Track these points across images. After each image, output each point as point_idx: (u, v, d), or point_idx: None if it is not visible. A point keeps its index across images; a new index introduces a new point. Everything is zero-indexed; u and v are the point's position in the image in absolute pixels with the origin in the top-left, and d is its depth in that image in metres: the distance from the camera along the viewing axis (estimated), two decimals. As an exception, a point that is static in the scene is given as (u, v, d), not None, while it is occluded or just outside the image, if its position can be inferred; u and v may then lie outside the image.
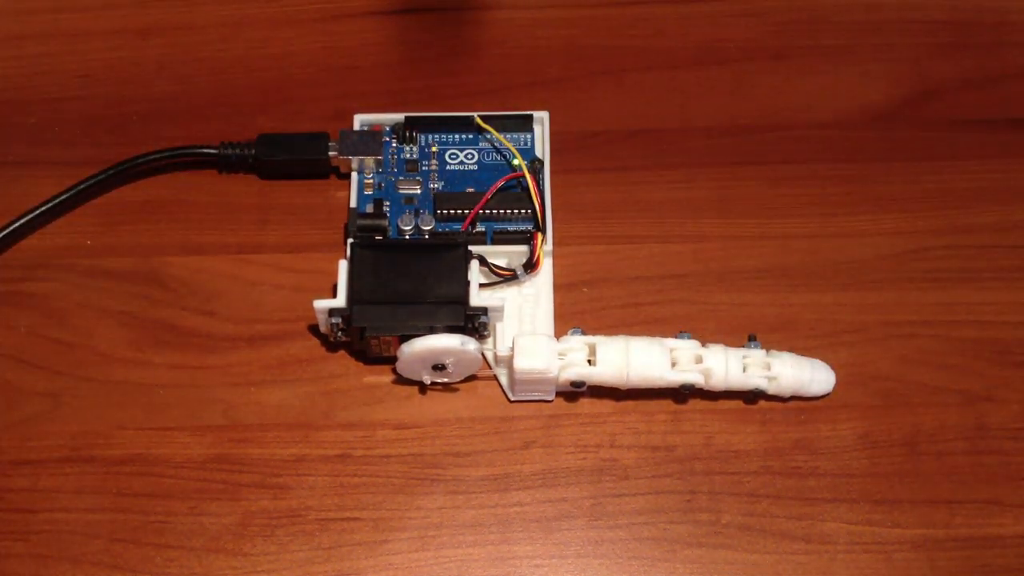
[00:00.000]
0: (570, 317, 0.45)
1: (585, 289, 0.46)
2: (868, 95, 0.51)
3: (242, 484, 0.42)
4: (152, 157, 0.47)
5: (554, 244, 0.46)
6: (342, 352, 0.45)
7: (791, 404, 0.44)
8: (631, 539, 0.41)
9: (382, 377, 0.44)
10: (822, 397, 0.44)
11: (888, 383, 0.44)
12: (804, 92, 0.51)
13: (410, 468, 0.43)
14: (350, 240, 0.44)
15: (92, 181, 0.47)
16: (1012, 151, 0.49)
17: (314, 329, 0.45)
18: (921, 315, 0.45)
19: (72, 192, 0.47)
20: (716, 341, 0.45)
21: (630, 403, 0.44)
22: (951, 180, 0.49)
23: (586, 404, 0.44)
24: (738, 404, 0.44)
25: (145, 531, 0.41)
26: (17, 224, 0.46)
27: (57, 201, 0.46)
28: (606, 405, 0.44)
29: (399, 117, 0.48)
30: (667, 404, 0.44)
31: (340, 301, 0.42)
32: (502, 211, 0.46)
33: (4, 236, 0.46)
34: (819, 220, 0.48)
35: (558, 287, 0.46)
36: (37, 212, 0.46)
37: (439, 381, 0.43)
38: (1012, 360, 0.45)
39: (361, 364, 0.44)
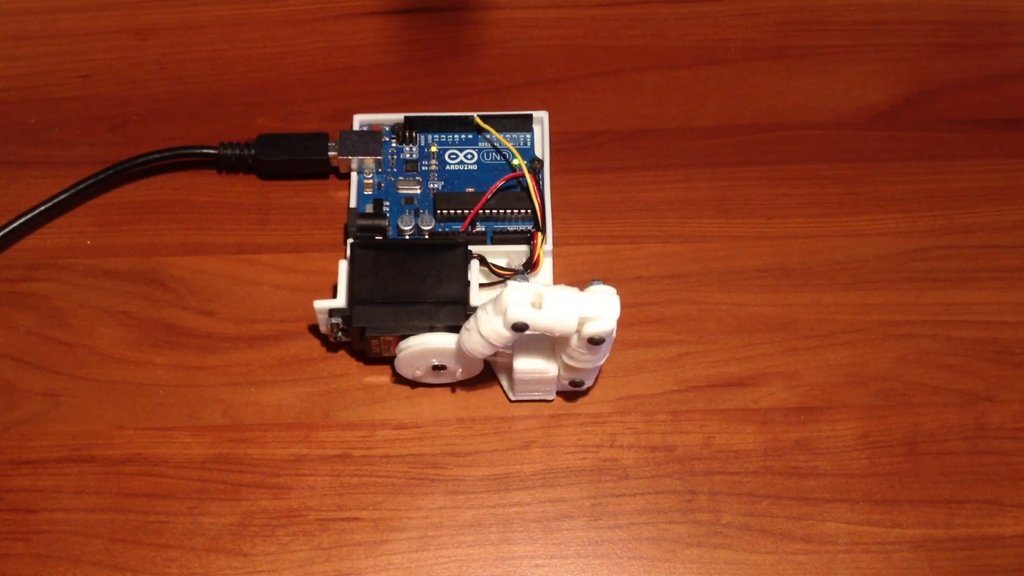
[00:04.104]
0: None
1: (585, 289, 0.46)
2: (868, 95, 0.51)
3: (242, 484, 0.42)
4: (152, 157, 0.47)
5: (554, 244, 0.46)
6: (342, 352, 0.45)
7: (791, 404, 0.44)
8: (631, 539, 0.41)
9: (382, 377, 0.44)
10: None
11: (888, 383, 0.44)
12: (804, 92, 0.51)
13: (410, 468, 0.43)
14: (350, 240, 0.44)
15: (92, 181, 0.47)
16: (1012, 151, 0.49)
17: (314, 329, 0.45)
18: (921, 315, 0.46)
19: (72, 192, 0.47)
20: (716, 341, 0.45)
21: (630, 403, 0.44)
22: (951, 180, 0.49)
23: (586, 404, 0.44)
24: (738, 404, 0.44)
25: (145, 531, 0.41)
26: (17, 224, 0.46)
27: (57, 201, 0.46)
28: (606, 405, 0.44)
29: (398, 117, 0.48)
30: (667, 404, 0.44)
31: (340, 301, 0.42)
32: (502, 211, 0.45)
33: (4, 236, 0.46)
34: (819, 220, 0.48)
35: (558, 287, 0.46)
36: (37, 212, 0.46)
37: (439, 381, 0.43)
38: (1012, 360, 0.45)
39: (361, 364, 0.44)
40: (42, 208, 0.46)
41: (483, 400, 0.44)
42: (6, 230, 0.46)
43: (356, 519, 0.42)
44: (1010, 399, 0.44)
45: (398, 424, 0.43)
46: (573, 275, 0.46)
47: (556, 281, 0.45)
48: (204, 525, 0.42)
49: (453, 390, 0.44)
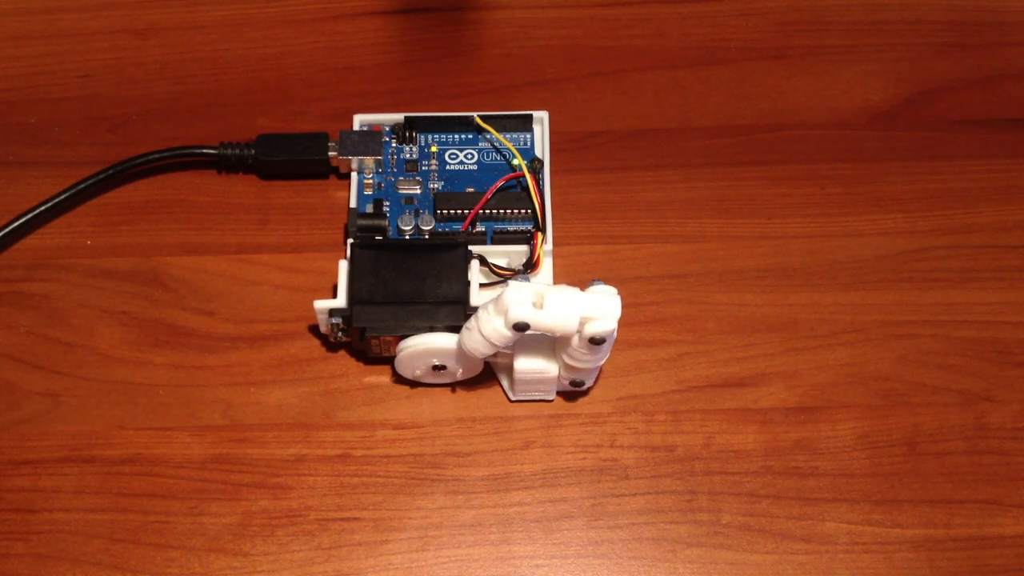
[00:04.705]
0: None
1: (585, 289, 0.46)
2: (868, 95, 0.51)
3: (242, 484, 0.42)
4: (152, 157, 0.47)
5: (554, 244, 0.46)
6: (342, 352, 0.45)
7: (791, 404, 0.44)
8: (631, 539, 0.41)
9: (382, 377, 0.44)
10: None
11: (888, 383, 0.44)
12: (804, 92, 0.51)
13: (410, 468, 0.43)
14: (350, 240, 0.44)
15: (92, 181, 0.47)
16: (1012, 151, 0.49)
17: (314, 329, 0.45)
18: (921, 315, 0.46)
19: (72, 192, 0.47)
20: (716, 341, 0.45)
21: (630, 403, 0.44)
22: (951, 180, 0.49)
23: (586, 404, 0.44)
24: (738, 404, 0.44)
25: (145, 531, 0.41)
26: (17, 224, 0.46)
27: (57, 201, 0.46)
28: (606, 405, 0.44)
29: (398, 117, 0.48)
30: (667, 404, 0.44)
31: (340, 301, 0.42)
32: (502, 211, 0.45)
33: (4, 236, 0.46)
34: (819, 220, 0.48)
35: (558, 287, 0.46)
36: (37, 212, 0.46)
37: (439, 381, 0.43)
38: (1012, 360, 0.45)
39: (361, 364, 0.44)
40: (42, 208, 0.46)
41: (483, 400, 0.44)
42: (6, 230, 0.46)
43: (356, 519, 0.42)
44: (1010, 399, 0.44)
45: (398, 424, 0.43)
46: (573, 275, 0.46)
47: (556, 281, 0.45)
48: (204, 525, 0.42)
49: (453, 390, 0.44)
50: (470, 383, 0.44)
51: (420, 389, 0.44)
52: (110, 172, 0.47)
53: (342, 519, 0.42)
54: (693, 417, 0.44)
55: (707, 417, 0.44)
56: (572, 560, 0.41)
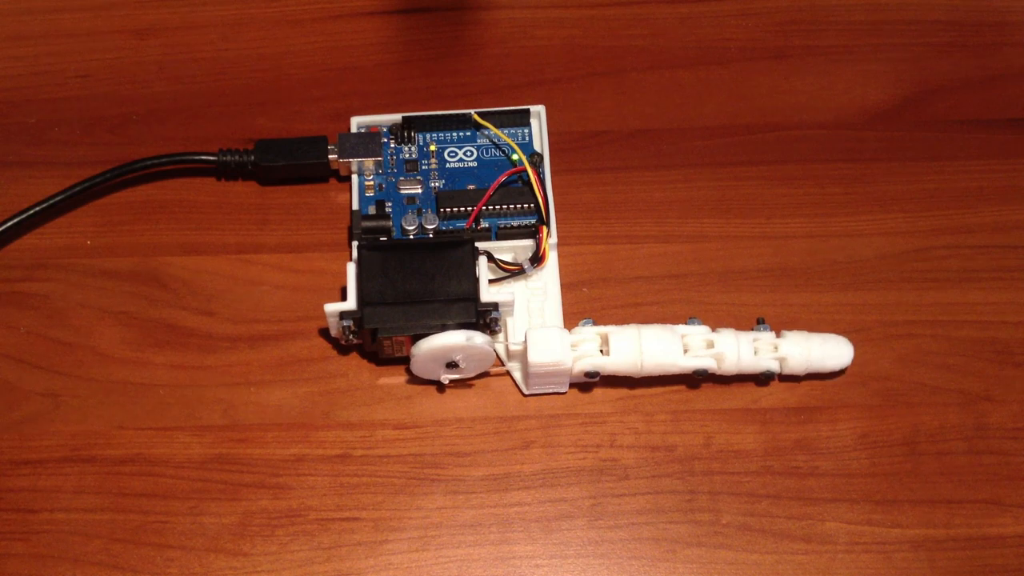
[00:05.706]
0: (570, 317, 0.45)
1: (585, 289, 0.46)
2: (868, 95, 0.51)
3: (242, 484, 0.42)
4: (150, 163, 0.47)
5: (556, 240, 0.46)
6: (342, 352, 0.45)
7: (791, 404, 0.44)
8: (631, 539, 0.41)
9: (382, 377, 0.44)
10: (841, 372, 0.44)
11: (888, 383, 0.44)
12: (804, 92, 0.51)
13: (410, 468, 0.43)
14: (355, 243, 0.44)
15: (90, 183, 0.47)
16: (1012, 151, 0.49)
17: (314, 329, 0.45)
18: (921, 315, 0.46)
19: (72, 192, 0.47)
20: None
21: (630, 403, 0.44)
22: (951, 180, 0.49)
23: (586, 404, 0.44)
24: (738, 404, 0.44)
25: (145, 531, 0.41)
26: (17, 224, 0.46)
27: (57, 201, 0.46)
28: (606, 405, 0.44)
29: (396, 117, 0.48)
30: (667, 404, 0.44)
31: (351, 304, 0.42)
32: (505, 206, 0.45)
33: (4, 236, 0.46)
34: (819, 220, 0.48)
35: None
36: (37, 212, 0.46)
37: (453, 378, 0.43)
38: (1012, 360, 0.45)
39: (361, 364, 0.44)
40: (42, 208, 0.46)
41: (483, 400, 0.44)
42: (6, 229, 0.46)
43: (356, 519, 0.42)
44: (1010, 399, 0.44)
45: (398, 424, 0.43)
46: (574, 275, 0.46)
47: (562, 279, 0.45)
48: (204, 525, 0.42)
49: (453, 390, 0.44)
50: (473, 381, 0.44)
51: (420, 389, 0.44)
52: (107, 176, 0.47)
53: (342, 519, 0.42)
54: (693, 417, 0.44)
55: (707, 417, 0.44)
56: (572, 560, 0.41)
